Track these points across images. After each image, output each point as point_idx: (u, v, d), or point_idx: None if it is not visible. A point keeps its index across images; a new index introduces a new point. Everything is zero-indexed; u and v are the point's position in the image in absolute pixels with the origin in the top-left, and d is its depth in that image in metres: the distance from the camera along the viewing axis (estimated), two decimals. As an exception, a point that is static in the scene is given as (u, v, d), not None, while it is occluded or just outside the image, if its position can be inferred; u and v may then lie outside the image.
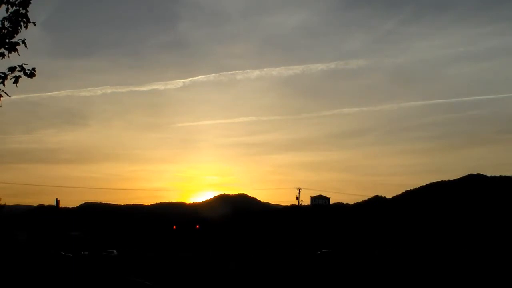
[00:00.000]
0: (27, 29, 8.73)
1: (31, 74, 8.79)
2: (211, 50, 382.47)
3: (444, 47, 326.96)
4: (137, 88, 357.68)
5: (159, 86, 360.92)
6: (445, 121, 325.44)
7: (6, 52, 8.67)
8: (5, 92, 8.79)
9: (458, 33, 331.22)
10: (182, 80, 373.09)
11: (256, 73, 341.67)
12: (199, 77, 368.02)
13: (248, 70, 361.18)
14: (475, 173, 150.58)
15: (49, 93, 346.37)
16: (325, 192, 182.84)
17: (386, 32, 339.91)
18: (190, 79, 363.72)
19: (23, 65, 8.71)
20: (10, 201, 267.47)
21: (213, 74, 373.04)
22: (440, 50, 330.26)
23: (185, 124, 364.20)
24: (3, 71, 8.72)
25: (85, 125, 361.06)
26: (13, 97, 8.68)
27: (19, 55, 8.74)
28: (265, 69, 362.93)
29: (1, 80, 8.71)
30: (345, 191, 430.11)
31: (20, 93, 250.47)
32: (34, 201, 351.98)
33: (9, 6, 8.61)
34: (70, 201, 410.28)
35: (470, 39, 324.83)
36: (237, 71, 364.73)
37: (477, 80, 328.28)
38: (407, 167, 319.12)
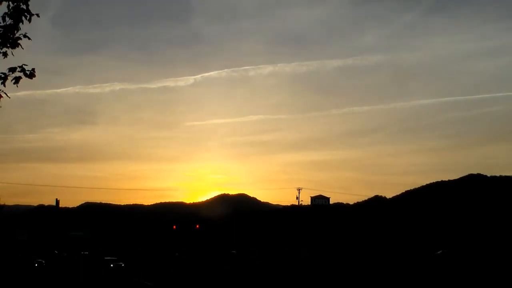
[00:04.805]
0: (31, 23, 8.62)
1: (31, 75, 8.77)
2: (223, 46, 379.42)
3: (462, 42, 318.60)
4: (146, 85, 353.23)
5: (169, 83, 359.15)
6: (459, 119, 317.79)
7: (8, 51, 8.64)
8: (5, 93, 8.79)
9: (476, 28, 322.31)
10: (193, 77, 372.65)
11: (269, 69, 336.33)
12: (211, 73, 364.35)
13: (261, 66, 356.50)
14: (475, 173, 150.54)
15: (56, 90, 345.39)
16: (325, 192, 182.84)
17: (403, 27, 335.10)
18: (201, 75, 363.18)
19: (23, 65, 8.71)
20: (10, 201, 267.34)
21: (225, 70, 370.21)
22: (457, 45, 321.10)
23: (193, 123, 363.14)
24: (4, 72, 8.72)
25: (92, 123, 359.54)
26: (19, 94, 8.69)
27: (23, 48, 8.68)
28: (278, 65, 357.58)
29: (2, 80, 8.70)
30: (352, 190, 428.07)
31: (26, 90, 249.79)
32: (34, 201, 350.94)
33: (10, 2, 8.60)
34: (70, 201, 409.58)
35: (489, 34, 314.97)
36: (249, 67, 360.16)
37: (493, 77, 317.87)
38: (417, 166, 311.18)
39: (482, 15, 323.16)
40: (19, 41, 8.63)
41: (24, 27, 8.64)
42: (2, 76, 8.69)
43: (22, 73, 8.70)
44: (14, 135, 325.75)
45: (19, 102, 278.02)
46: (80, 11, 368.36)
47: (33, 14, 8.65)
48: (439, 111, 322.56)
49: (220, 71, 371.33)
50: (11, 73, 8.66)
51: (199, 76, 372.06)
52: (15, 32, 8.58)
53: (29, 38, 8.70)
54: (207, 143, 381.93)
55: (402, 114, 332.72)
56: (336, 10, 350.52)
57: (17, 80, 8.71)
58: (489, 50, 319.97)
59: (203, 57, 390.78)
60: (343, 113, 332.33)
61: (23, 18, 8.54)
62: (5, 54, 8.65)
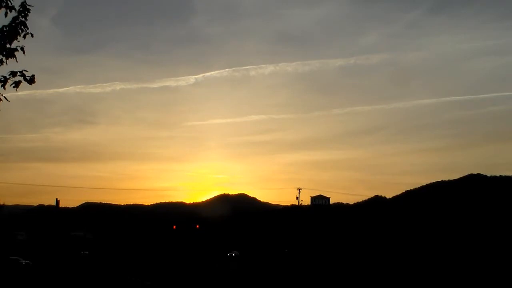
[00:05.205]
0: (25, 39, 8.79)
1: (31, 81, 8.86)
2: (224, 45, 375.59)
3: (464, 42, 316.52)
4: (147, 85, 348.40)
5: (170, 82, 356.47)
6: (459, 119, 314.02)
7: (4, 59, 8.72)
8: (4, 97, 8.86)
9: (478, 27, 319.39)
10: (194, 76, 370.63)
11: (270, 68, 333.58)
12: (212, 72, 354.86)
13: (262, 65, 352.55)
14: (475, 173, 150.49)
15: (57, 90, 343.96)
16: (325, 192, 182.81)
17: (405, 26, 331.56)
18: (203, 75, 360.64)
19: (24, 71, 8.80)
20: (10, 201, 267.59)
21: (226, 70, 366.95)
22: (459, 45, 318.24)
23: (194, 123, 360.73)
24: (4, 75, 8.80)
25: (93, 122, 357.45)
26: (19, 93, 8.85)
27: (17, 61, 8.80)
28: (280, 64, 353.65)
29: (2, 84, 8.78)
30: (353, 190, 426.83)
31: (26, 90, 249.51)
32: (34, 201, 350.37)
33: (8, 10, 8.70)
34: (71, 201, 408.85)
35: (490, 33, 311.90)
36: (251, 67, 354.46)
37: (495, 76, 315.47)
38: (417, 166, 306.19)
39: (484, 14, 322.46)
40: (15, 53, 8.74)
41: (23, 43, 8.78)
42: (2, 79, 8.77)
43: (22, 77, 8.79)
44: (14, 135, 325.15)
45: (20, 101, 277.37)
46: (81, 11, 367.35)
47: (28, 33, 8.78)
48: (441, 111, 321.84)
49: (221, 70, 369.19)
50: (11, 76, 8.75)
51: (201, 75, 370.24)
52: (12, 42, 8.67)
53: (24, 52, 8.83)
54: (207, 143, 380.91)
55: (403, 114, 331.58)
56: (338, 10, 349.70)
57: (16, 84, 8.81)
58: (491, 50, 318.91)
59: (204, 57, 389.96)
60: (344, 113, 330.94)
61: (20, 31, 8.66)
62: (0, 61, 8.73)
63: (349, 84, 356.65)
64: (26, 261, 61.03)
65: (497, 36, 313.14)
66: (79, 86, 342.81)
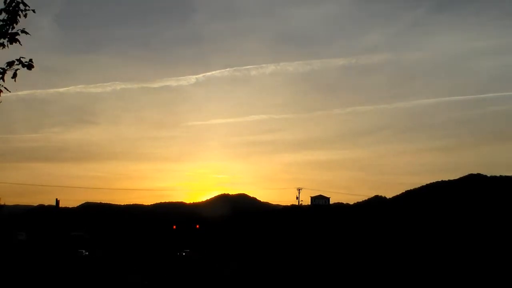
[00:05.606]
0: (27, 18, 8.57)
1: (29, 66, 8.73)
2: (225, 44, 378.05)
3: (467, 41, 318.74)
4: (148, 85, 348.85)
5: (171, 82, 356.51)
6: (460, 119, 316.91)
7: (7, 43, 8.60)
8: (5, 87, 8.79)
9: (481, 26, 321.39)
10: (195, 76, 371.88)
11: (271, 68, 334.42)
12: (213, 72, 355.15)
13: (263, 65, 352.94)
14: (475, 173, 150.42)
15: (57, 89, 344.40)
16: (325, 192, 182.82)
17: (407, 25, 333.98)
18: (203, 74, 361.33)
19: (21, 58, 8.70)
20: (10, 201, 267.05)
21: (227, 69, 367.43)
22: (462, 44, 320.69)
23: (195, 123, 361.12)
24: (2, 66, 8.74)
25: (93, 122, 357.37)
26: (20, 93, 8.69)
27: (21, 44, 8.64)
28: (281, 64, 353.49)
29: (1, 75, 8.72)
30: (353, 190, 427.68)
31: (27, 89, 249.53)
32: (34, 201, 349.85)
33: None
34: (71, 201, 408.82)
35: (494, 32, 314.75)
36: (252, 66, 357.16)
37: (497, 76, 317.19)
38: (417, 166, 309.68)
39: (487, 13, 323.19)
40: (17, 37, 8.60)
41: (25, 25, 8.63)
42: (1, 71, 8.71)
43: (20, 65, 8.68)
44: (14, 135, 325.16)
45: (20, 101, 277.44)
46: (81, 10, 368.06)
47: (28, 9, 8.59)
48: (441, 111, 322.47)
49: (222, 70, 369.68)
50: (9, 67, 8.67)
51: (201, 75, 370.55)
52: (13, 26, 8.55)
53: (27, 33, 8.63)
54: (208, 143, 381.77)
55: (404, 114, 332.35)
56: (340, 8, 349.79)
57: (14, 74, 8.71)
58: (493, 49, 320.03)
59: (205, 56, 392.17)
60: (346, 113, 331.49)
61: (20, 12, 8.51)
62: (2, 45, 8.62)
63: (350, 84, 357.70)
64: None
65: (499, 35, 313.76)
66: (79, 86, 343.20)
